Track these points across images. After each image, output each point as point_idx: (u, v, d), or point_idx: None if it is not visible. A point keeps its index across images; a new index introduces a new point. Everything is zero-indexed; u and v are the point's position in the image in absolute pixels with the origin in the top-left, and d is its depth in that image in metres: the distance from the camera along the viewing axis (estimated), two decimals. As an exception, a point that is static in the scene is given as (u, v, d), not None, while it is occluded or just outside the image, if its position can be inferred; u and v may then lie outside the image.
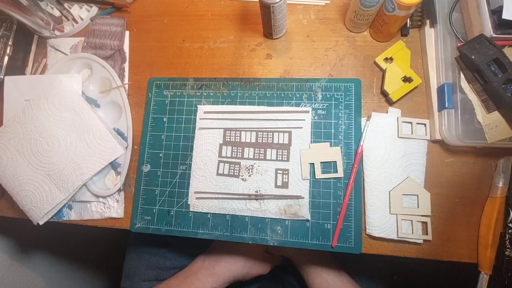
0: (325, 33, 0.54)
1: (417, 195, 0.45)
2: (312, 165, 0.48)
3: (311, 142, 0.49)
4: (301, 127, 0.49)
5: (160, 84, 0.55)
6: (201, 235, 0.49)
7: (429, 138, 0.47)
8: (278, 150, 0.49)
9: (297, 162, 0.48)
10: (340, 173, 0.47)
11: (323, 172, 0.47)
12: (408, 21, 0.50)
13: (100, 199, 0.52)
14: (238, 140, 0.50)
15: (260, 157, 0.49)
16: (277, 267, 0.61)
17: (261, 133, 0.50)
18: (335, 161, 0.47)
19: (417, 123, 0.47)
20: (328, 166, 0.48)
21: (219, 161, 0.50)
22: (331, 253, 0.54)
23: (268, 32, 0.53)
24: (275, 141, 0.50)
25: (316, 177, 0.47)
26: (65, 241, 0.87)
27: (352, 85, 0.50)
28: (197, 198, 0.50)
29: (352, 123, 0.48)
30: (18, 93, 0.55)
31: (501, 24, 0.42)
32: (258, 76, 0.53)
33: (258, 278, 0.59)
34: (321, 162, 0.47)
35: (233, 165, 0.50)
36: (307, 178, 0.48)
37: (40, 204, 0.51)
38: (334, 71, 0.52)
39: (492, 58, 0.41)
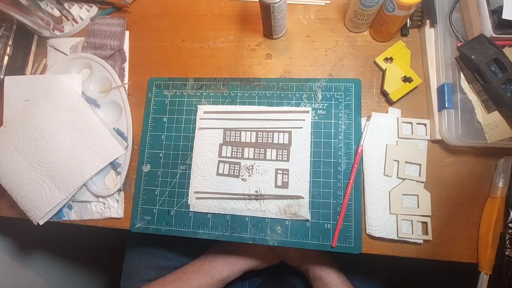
0: (325, 33, 0.54)
1: (417, 195, 0.45)
2: (397, 162, 0.46)
3: (311, 142, 0.49)
4: (301, 127, 0.49)
5: (160, 84, 0.55)
6: (201, 235, 0.49)
7: (429, 138, 0.47)
8: (278, 150, 0.49)
9: (297, 162, 0.48)
10: (422, 177, 0.45)
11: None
12: (408, 21, 0.50)
13: (100, 199, 0.52)
14: (238, 140, 0.50)
15: (260, 157, 0.49)
16: (278, 267, 0.61)
17: (261, 133, 0.50)
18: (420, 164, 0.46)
19: (417, 123, 0.47)
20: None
21: (219, 161, 0.50)
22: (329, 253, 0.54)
23: (268, 32, 0.53)
24: (275, 141, 0.50)
25: (399, 176, 0.46)
26: (65, 241, 0.87)
27: (352, 85, 0.50)
28: (197, 198, 0.49)
29: (352, 123, 0.48)
30: (18, 93, 0.55)
31: (501, 24, 0.42)
32: (258, 76, 0.53)
33: (263, 271, 0.60)
34: (405, 162, 0.46)
35: (233, 165, 0.50)
36: (389, 175, 0.46)
37: (40, 204, 0.51)
38: (334, 71, 0.52)
39: (492, 58, 0.41)
